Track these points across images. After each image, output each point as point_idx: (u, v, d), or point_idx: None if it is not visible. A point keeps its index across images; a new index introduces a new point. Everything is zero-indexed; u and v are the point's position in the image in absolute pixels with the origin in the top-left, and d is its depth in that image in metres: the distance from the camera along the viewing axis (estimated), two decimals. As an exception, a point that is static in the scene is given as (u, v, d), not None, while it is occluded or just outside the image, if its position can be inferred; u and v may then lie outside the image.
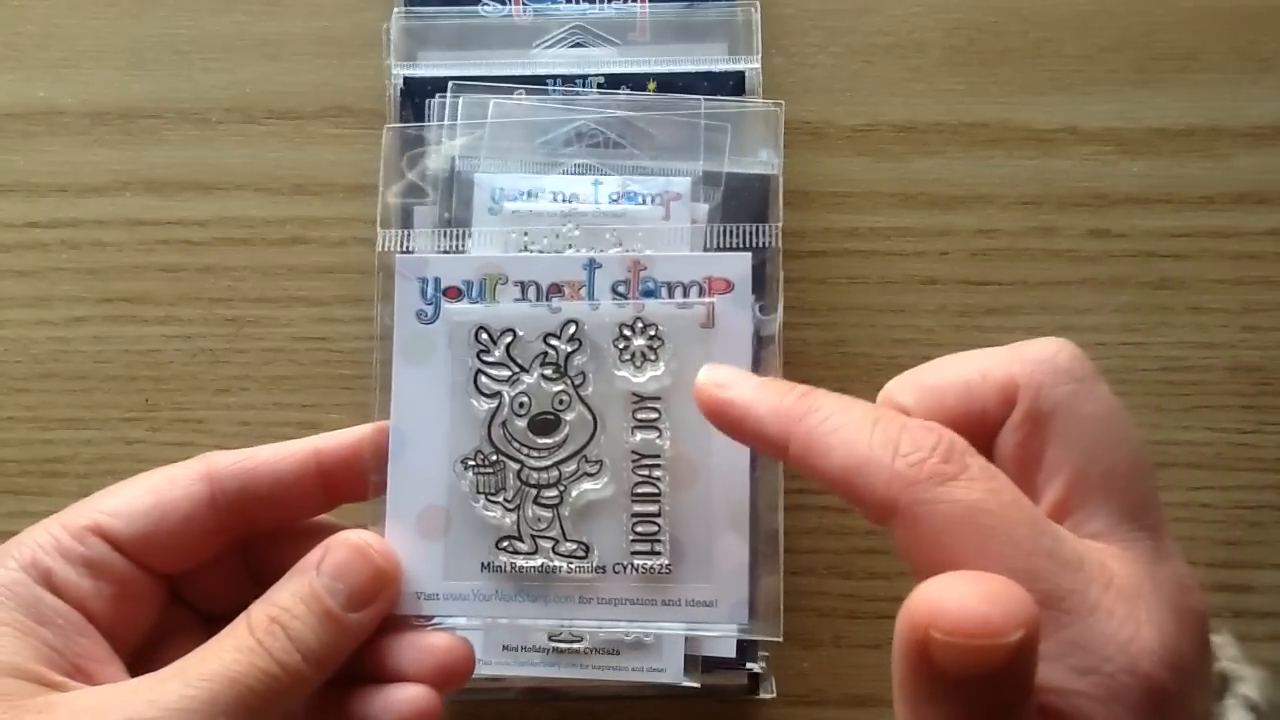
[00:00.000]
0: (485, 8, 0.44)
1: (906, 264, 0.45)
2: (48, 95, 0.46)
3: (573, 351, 0.30)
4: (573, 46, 0.44)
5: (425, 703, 0.30)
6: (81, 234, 0.46)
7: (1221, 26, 0.46)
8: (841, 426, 0.25)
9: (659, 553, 0.30)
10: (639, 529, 0.30)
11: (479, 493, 0.30)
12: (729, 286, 0.30)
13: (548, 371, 0.30)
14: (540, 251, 0.39)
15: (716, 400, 0.27)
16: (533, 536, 0.30)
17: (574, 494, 0.30)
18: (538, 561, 0.30)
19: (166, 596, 0.32)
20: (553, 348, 0.30)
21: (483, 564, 0.30)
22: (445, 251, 0.33)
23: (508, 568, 0.30)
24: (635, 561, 0.30)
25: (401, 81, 0.43)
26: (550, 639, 0.41)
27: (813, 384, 0.45)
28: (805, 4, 0.46)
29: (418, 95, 0.43)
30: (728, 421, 0.27)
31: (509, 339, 0.30)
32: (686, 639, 0.41)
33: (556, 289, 0.31)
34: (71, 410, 0.45)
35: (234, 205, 0.46)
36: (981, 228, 0.45)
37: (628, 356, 0.30)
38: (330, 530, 0.31)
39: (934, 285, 0.45)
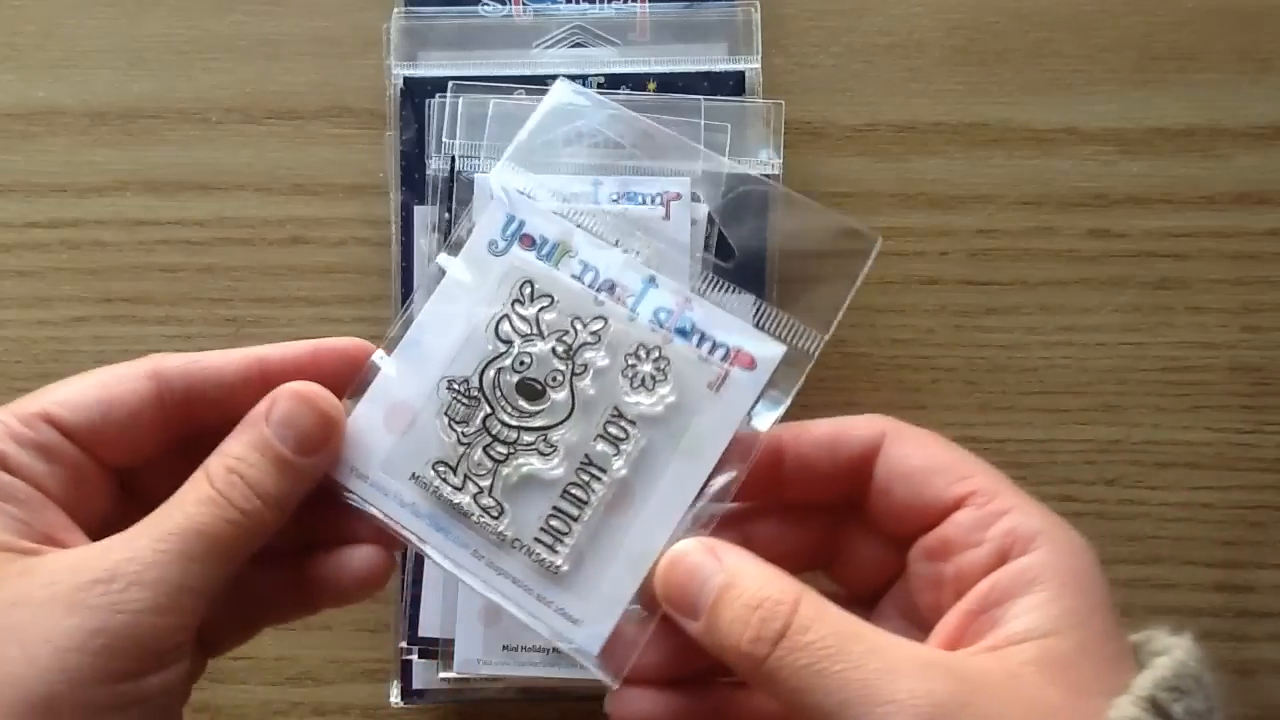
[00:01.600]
0: (485, 8, 0.44)
1: (906, 264, 0.45)
2: (48, 95, 0.46)
3: (588, 344, 0.31)
4: (573, 46, 0.44)
5: (379, 560, 0.32)
6: (81, 234, 0.46)
7: (1221, 26, 0.46)
8: None
9: (558, 552, 0.31)
10: (553, 522, 0.31)
11: (445, 414, 0.31)
12: (752, 364, 0.31)
13: (559, 348, 0.31)
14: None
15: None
16: (466, 476, 0.31)
17: (519, 460, 0.31)
18: (458, 498, 0.31)
19: (117, 488, 0.32)
20: (575, 330, 0.32)
21: (414, 474, 0.31)
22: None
23: (429, 487, 0.31)
24: (534, 548, 0.31)
25: (401, 81, 0.43)
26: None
27: (812, 384, 0.45)
28: (805, 4, 0.46)
29: (418, 95, 0.43)
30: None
31: (545, 303, 0.32)
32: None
33: (610, 286, 0.32)
34: (71, 410, 0.45)
35: (234, 205, 0.46)
36: (981, 228, 0.45)
37: (630, 374, 0.31)
38: None
39: (934, 285, 0.45)
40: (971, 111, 0.46)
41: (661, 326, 0.31)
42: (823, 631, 0.27)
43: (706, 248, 0.40)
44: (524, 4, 0.44)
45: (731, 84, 0.43)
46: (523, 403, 0.31)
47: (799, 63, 0.46)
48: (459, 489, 0.31)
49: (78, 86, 0.46)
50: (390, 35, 0.43)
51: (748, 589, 0.28)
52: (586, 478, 0.31)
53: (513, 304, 0.32)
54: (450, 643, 0.41)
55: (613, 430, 0.31)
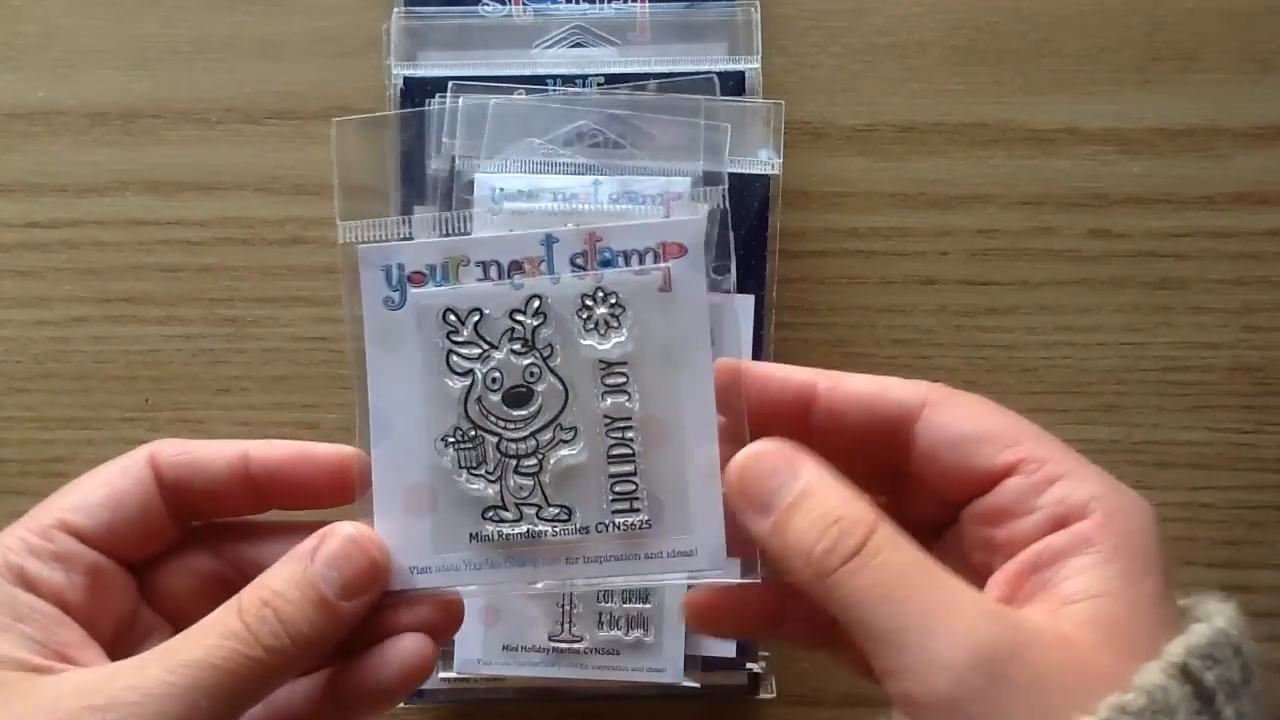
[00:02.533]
0: (485, 8, 0.44)
1: (906, 264, 0.45)
2: (48, 95, 0.46)
3: (538, 325, 0.31)
4: (573, 46, 0.44)
5: (422, 650, 0.31)
6: (81, 234, 0.46)
7: (1221, 26, 0.46)
8: None
9: (638, 509, 0.31)
10: (617, 489, 0.31)
11: (461, 467, 0.31)
12: (682, 250, 0.31)
13: (516, 346, 0.31)
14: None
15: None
16: (516, 505, 0.31)
17: (552, 461, 0.31)
18: (523, 528, 0.31)
19: (136, 589, 0.32)
20: (519, 323, 0.31)
21: (471, 534, 0.31)
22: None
23: (495, 536, 0.31)
24: (616, 520, 0.31)
25: (401, 81, 0.43)
26: (550, 639, 0.41)
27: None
28: (805, 4, 0.46)
29: (418, 95, 0.43)
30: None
31: (476, 318, 0.31)
32: (686, 638, 0.41)
33: (517, 266, 0.31)
34: (71, 410, 0.45)
35: (234, 205, 0.46)
36: (981, 228, 0.45)
37: (591, 325, 0.31)
38: (309, 527, 0.31)
39: (934, 285, 0.45)
40: (971, 111, 0.46)
41: (585, 270, 0.31)
42: (895, 559, 0.27)
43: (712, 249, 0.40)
44: (524, 4, 0.44)
45: (731, 84, 0.43)
46: (518, 412, 0.31)
47: (799, 63, 0.46)
48: (518, 520, 0.31)
49: (78, 86, 0.46)
50: (390, 35, 0.43)
51: (828, 501, 0.28)
52: (619, 434, 0.31)
53: (448, 336, 0.31)
54: (450, 643, 0.41)
55: (611, 381, 0.31)
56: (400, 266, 0.31)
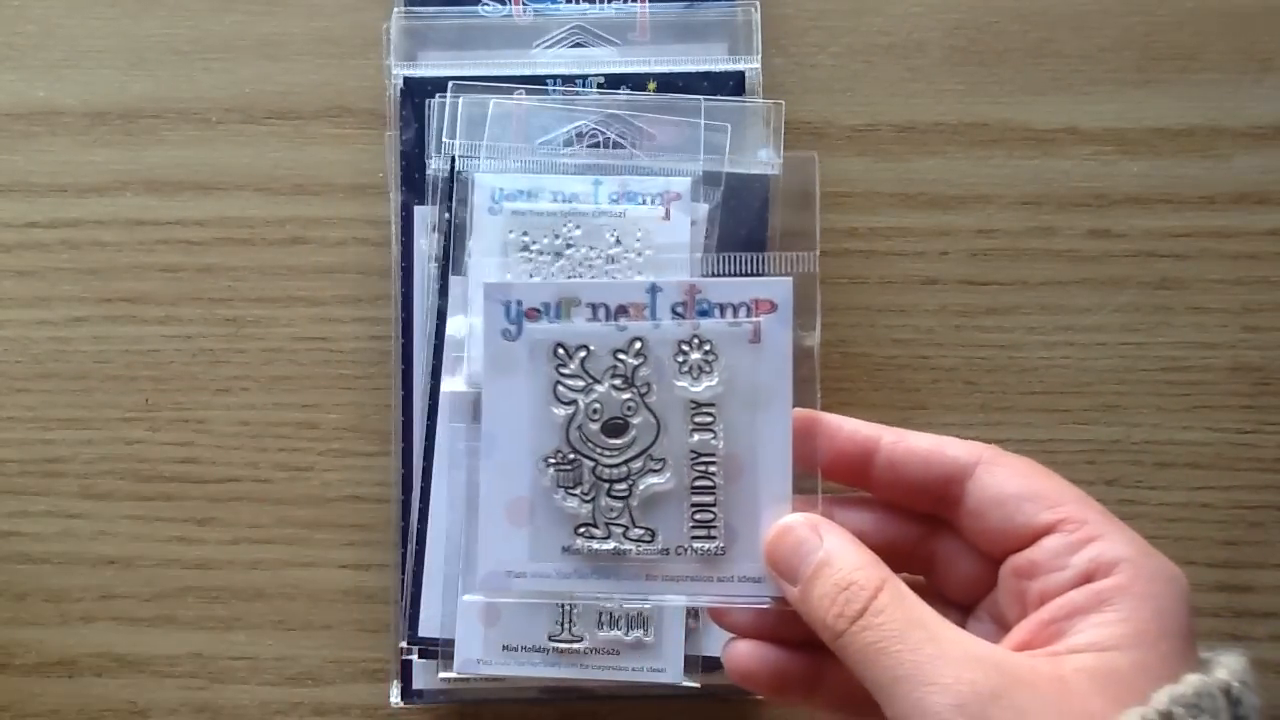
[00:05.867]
0: (485, 8, 0.44)
1: (906, 264, 0.45)
2: (48, 95, 0.46)
3: (639, 364, 0.34)
4: (573, 46, 0.44)
5: None
6: (81, 234, 0.46)
7: (1221, 26, 0.46)
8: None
9: (714, 537, 0.34)
10: (697, 517, 0.34)
11: (559, 486, 0.34)
12: (773, 307, 0.34)
13: (617, 382, 0.34)
14: (540, 251, 0.40)
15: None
16: (606, 524, 0.34)
17: (641, 487, 0.34)
18: (610, 545, 0.34)
19: None
20: (621, 361, 0.34)
21: (564, 547, 0.34)
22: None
23: (585, 550, 0.34)
24: (694, 545, 0.34)
25: (401, 81, 0.43)
26: (550, 639, 0.41)
27: (812, 384, 0.45)
28: (805, 4, 0.46)
29: (418, 95, 0.43)
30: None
31: (583, 354, 0.34)
32: (686, 638, 0.41)
33: (623, 310, 0.34)
34: (71, 410, 0.45)
35: (234, 205, 0.46)
36: (981, 228, 0.45)
37: (686, 369, 0.34)
38: None
39: (934, 285, 0.45)
40: (971, 111, 0.46)
41: (684, 318, 0.34)
42: (894, 616, 0.30)
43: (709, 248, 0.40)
44: (524, 4, 0.44)
45: (731, 84, 0.43)
46: (614, 441, 0.34)
47: (799, 63, 0.46)
48: (607, 537, 0.34)
49: (78, 86, 0.46)
50: (390, 35, 0.43)
51: (841, 569, 0.31)
52: (702, 468, 0.34)
53: (557, 369, 0.34)
54: (450, 643, 0.41)
55: (699, 420, 0.34)
56: (519, 303, 0.34)
